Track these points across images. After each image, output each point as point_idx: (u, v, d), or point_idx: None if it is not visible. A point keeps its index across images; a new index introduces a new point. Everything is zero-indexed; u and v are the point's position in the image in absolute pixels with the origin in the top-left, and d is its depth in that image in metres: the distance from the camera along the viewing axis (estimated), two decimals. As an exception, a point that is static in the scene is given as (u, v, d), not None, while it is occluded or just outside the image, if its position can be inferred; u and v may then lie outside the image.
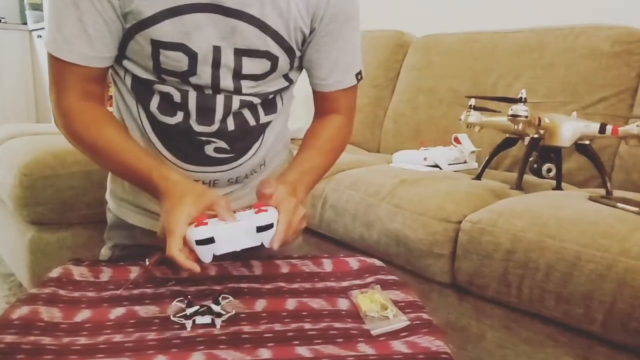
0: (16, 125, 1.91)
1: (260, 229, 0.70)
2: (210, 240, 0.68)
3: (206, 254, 0.69)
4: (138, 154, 0.79)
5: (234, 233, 0.69)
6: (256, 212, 0.71)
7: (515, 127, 1.16)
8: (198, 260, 0.70)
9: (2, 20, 4.23)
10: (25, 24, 4.22)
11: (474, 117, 1.34)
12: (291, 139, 1.05)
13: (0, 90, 4.23)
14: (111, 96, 0.90)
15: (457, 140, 1.57)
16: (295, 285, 0.77)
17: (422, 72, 2.00)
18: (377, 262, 0.87)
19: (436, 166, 1.54)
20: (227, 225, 0.69)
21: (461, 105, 1.78)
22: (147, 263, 0.76)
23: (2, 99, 4.24)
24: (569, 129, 1.19)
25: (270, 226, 0.71)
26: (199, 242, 0.68)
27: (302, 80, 0.92)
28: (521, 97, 1.15)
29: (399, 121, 2.03)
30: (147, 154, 0.80)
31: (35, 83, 4.32)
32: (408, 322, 0.68)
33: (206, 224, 0.69)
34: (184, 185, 0.75)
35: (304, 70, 0.91)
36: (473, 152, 1.56)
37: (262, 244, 0.71)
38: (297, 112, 1.38)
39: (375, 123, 2.13)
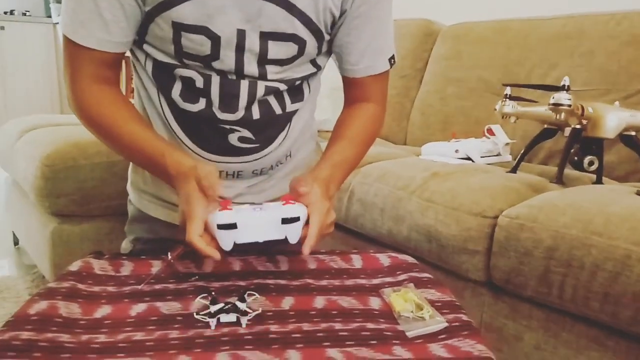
0: (38, 116, 1.91)
1: (285, 221, 0.67)
2: (233, 226, 0.65)
3: (227, 240, 0.66)
4: (151, 139, 0.77)
5: (258, 222, 0.67)
6: (283, 205, 0.68)
7: (557, 116, 1.10)
8: (218, 248, 0.67)
9: (27, 14, 4.30)
10: (50, 17, 4.27)
11: (510, 107, 1.28)
12: (317, 131, 1.01)
13: (26, 82, 4.30)
14: (133, 88, 0.88)
15: (490, 131, 1.51)
16: (324, 282, 0.74)
17: (451, 62, 1.94)
18: (410, 259, 0.84)
19: (468, 159, 1.48)
20: (251, 214, 0.67)
21: (493, 96, 1.72)
22: (170, 257, 0.74)
23: (27, 91, 4.32)
24: (614, 119, 1.11)
25: (296, 219, 0.68)
26: (221, 227, 0.65)
27: (328, 70, 0.87)
28: (564, 85, 1.08)
29: (427, 112, 1.97)
30: (160, 139, 0.78)
31: (59, 75, 4.37)
32: (446, 324, 0.64)
33: (230, 209, 0.66)
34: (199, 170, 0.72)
35: (330, 60, 0.87)
36: (507, 144, 1.50)
37: (286, 239, 0.68)
38: (323, 103, 1.34)
39: (402, 115, 2.07)
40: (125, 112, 0.78)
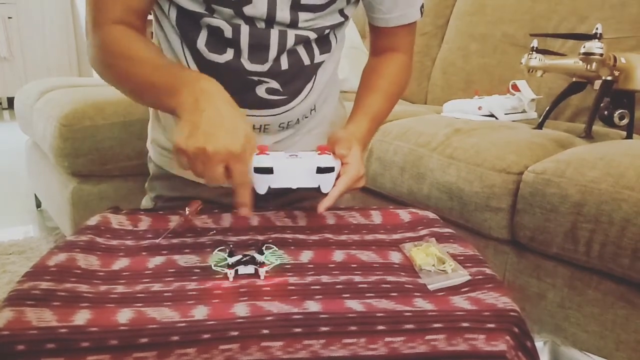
0: (57, 78, 1.91)
1: (320, 170, 0.68)
2: (269, 171, 0.66)
3: (262, 184, 0.68)
4: (176, 64, 0.73)
5: (294, 169, 0.68)
6: (319, 154, 0.70)
7: (588, 67, 1.04)
8: (252, 191, 0.67)
9: (43, -22, 4.27)
10: (66, -19, 4.24)
11: (537, 60, 1.22)
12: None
13: (44, 46, 4.32)
14: None
15: (515, 87, 1.45)
16: (343, 237, 0.73)
17: (475, 17, 1.87)
18: (431, 215, 0.82)
19: (492, 116, 1.44)
20: (287, 160, 0.68)
21: (517, 53, 1.65)
22: (187, 212, 0.73)
23: (46, 55, 4.34)
24: (648, 70, 1.06)
25: (330, 169, 0.69)
26: (258, 170, 0.66)
27: (346, 30, 0.85)
28: (596, 33, 1.03)
29: (449, 71, 1.91)
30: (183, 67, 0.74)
31: (77, 38, 4.38)
32: (469, 277, 0.62)
33: (268, 154, 0.68)
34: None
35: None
36: (533, 100, 1.44)
37: (318, 188, 0.70)
38: (340, 62, 1.30)
39: (422, 74, 2.02)
40: (151, 45, 0.73)
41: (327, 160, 0.69)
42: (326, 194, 0.70)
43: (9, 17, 4.17)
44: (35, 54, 4.31)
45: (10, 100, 4.38)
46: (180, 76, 0.67)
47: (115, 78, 0.75)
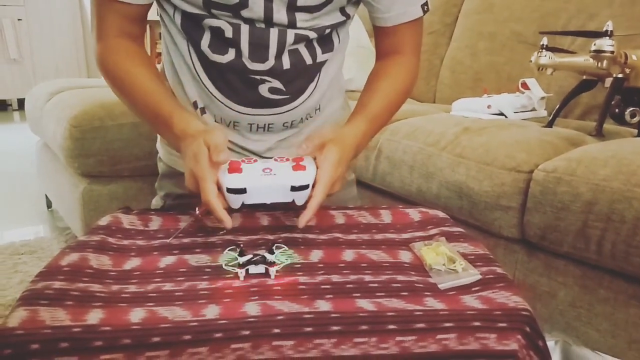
0: (66, 79, 1.93)
1: (294, 189, 0.68)
2: (242, 191, 0.66)
3: (236, 201, 0.68)
4: (163, 96, 0.76)
5: (267, 187, 0.67)
6: (293, 168, 0.68)
7: (598, 64, 1.03)
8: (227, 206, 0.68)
9: (52, -20, 4.30)
10: (74, -17, 4.27)
11: (547, 57, 1.22)
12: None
13: (53, 48, 4.35)
14: (159, 53, 0.87)
15: (524, 85, 1.44)
16: (352, 237, 0.73)
17: (483, 15, 1.86)
18: (441, 214, 0.81)
19: (501, 114, 1.43)
20: (261, 179, 0.67)
21: (526, 51, 1.64)
22: (198, 212, 0.73)
23: (55, 56, 4.37)
24: (659, 67, 1.05)
25: (305, 187, 0.68)
26: (230, 191, 0.66)
27: (353, 28, 0.85)
28: (607, 30, 1.02)
29: (457, 70, 1.90)
30: (172, 99, 0.78)
31: (85, 40, 4.41)
32: (480, 276, 0.62)
33: (241, 171, 0.67)
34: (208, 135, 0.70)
35: (355, 17, 0.84)
36: (543, 98, 1.43)
37: (293, 201, 0.69)
38: (347, 61, 1.30)
39: (430, 72, 2.01)
40: (142, 68, 0.78)
41: (301, 178, 0.68)
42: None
43: (19, 19, 4.20)
44: (44, 55, 4.34)
45: (21, 102, 4.41)
46: (167, 112, 0.74)
47: (115, 91, 0.82)
